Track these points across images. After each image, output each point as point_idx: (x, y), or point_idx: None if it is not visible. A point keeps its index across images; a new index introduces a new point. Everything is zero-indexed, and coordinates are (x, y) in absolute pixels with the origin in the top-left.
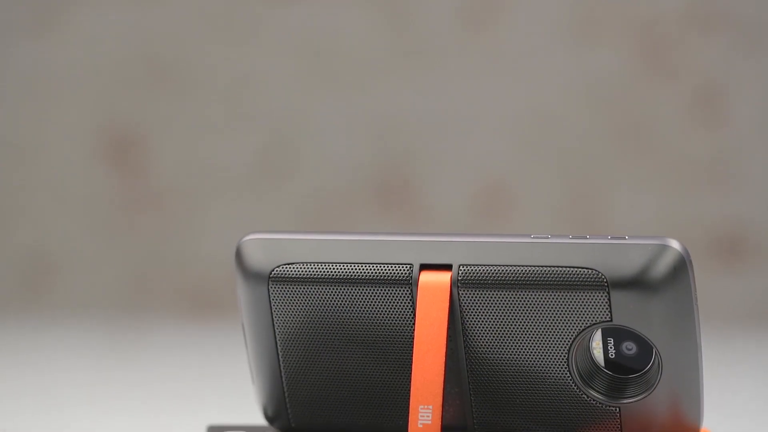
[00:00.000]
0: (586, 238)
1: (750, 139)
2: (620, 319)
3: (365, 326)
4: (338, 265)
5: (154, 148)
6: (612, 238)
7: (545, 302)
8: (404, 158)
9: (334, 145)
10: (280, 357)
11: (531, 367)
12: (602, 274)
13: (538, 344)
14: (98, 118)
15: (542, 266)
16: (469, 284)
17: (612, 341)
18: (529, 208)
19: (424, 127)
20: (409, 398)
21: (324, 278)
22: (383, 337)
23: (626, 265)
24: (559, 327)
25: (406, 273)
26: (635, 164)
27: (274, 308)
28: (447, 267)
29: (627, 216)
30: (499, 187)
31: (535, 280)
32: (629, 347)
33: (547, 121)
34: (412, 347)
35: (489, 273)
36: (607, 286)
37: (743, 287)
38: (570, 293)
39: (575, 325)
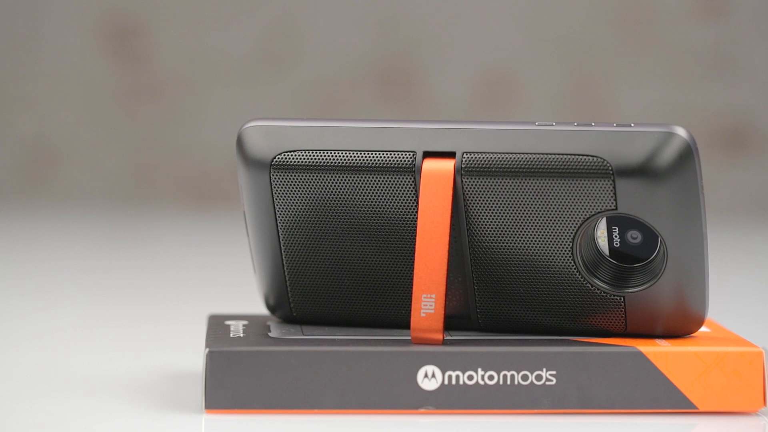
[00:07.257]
0: (591, 125)
1: (752, 30)
2: (625, 208)
3: (368, 215)
4: (340, 152)
5: (155, 37)
6: (617, 125)
7: (549, 190)
8: (406, 48)
9: (337, 34)
10: (281, 246)
11: (535, 256)
12: (607, 162)
13: (542, 233)
14: (98, 7)
15: (547, 154)
16: (472, 172)
17: (617, 230)
18: (532, 98)
19: (426, 17)
20: (411, 288)
21: (326, 166)
22: (386, 226)
23: (632, 153)
24: (564, 215)
25: (409, 160)
26: (637, 55)
27: (275, 196)
28: (450, 155)
29: (629, 106)
30: (501, 77)
31: (539, 168)
32: (634, 236)
33: (550, 11)
34: (415, 236)
35: (493, 160)
36: (612, 173)
37: (746, 178)
38: (574, 181)
39: (580, 214)
